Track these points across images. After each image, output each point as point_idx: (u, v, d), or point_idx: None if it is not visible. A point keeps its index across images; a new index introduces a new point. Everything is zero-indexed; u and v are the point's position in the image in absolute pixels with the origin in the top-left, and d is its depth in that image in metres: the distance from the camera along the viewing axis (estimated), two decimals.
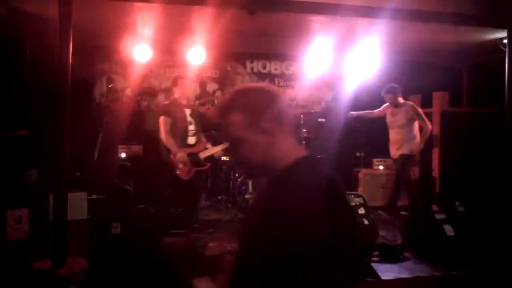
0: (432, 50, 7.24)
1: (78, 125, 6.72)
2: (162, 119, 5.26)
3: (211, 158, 5.58)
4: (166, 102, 5.62)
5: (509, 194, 5.40)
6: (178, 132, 5.28)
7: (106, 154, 6.59)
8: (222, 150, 5.45)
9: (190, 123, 5.38)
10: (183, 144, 5.29)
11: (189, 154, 5.27)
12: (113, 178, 6.39)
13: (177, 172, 5.18)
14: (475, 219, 4.75)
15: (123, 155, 6.52)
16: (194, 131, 5.41)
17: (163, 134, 5.24)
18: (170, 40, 6.48)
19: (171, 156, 5.20)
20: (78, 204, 5.92)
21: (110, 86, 7.19)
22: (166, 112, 5.29)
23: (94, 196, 6.27)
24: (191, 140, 5.37)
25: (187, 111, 5.42)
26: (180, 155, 5.15)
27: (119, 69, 7.29)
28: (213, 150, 5.48)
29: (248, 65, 7.94)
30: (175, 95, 5.45)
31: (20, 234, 4.59)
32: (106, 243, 3.82)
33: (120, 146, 6.56)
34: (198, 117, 5.54)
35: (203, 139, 5.59)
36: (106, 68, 7.35)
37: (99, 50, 7.02)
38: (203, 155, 5.40)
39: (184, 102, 5.46)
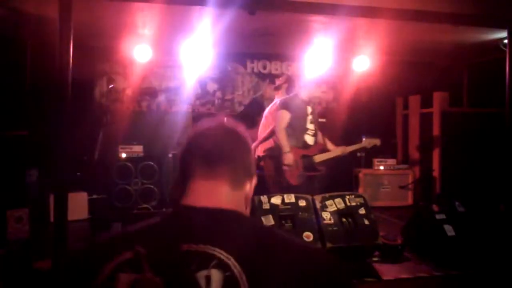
0: (432, 50, 7.24)
1: (78, 125, 6.78)
2: (280, 112, 4.91)
3: (326, 162, 5.09)
4: (286, 96, 5.26)
5: (509, 194, 5.40)
6: (296, 129, 4.93)
7: (106, 154, 6.61)
8: (342, 153, 5.09)
9: (311, 122, 5.02)
10: (299, 144, 4.97)
11: (303, 156, 4.91)
12: (113, 178, 6.39)
13: (285, 174, 4.81)
14: (476, 220, 4.75)
15: (124, 155, 6.52)
16: (314, 131, 5.05)
17: (278, 129, 4.89)
18: (171, 40, 6.49)
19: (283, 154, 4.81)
20: (79, 204, 5.94)
21: (110, 86, 7.20)
22: (286, 106, 4.94)
23: (94, 196, 6.28)
24: (310, 140, 5.00)
25: (309, 108, 5.06)
26: (289, 156, 4.78)
27: (120, 69, 7.29)
28: (331, 154, 5.06)
29: (249, 65, 7.94)
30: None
31: (20, 234, 4.59)
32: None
33: (120, 146, 6.56)
34: (317, 115, 5.16)
35: (323, 140, 5.16)
36: (106, 68, 7.36)
37: (100, 50, 7.02)
38: (318, 158, 4.99)
39: (305, 98, 5.07)
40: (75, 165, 6.21)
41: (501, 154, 5.49)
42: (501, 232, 4.77)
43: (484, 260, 4.40)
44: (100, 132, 6.57)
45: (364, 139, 5.19)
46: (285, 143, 4.79)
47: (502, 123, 5.43)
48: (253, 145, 5.13)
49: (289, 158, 4.76)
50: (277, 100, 5.44)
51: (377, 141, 5.16)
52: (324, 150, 5.05)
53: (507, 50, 5.40)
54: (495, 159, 5.83)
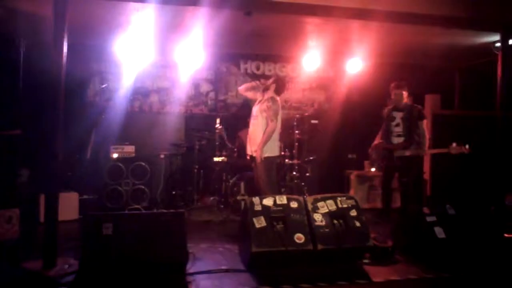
0: (424, 53, 7.28)
1: (70, 125, 6.75)
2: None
3: (405, 158, 5.72)
4: (386, 108, 6.04)
5: (499, 196, 5.44)
6: (385, 133, 5.91)
7: (98, 154, 6.58)
8: (415, 154, 5.71)
9: (397, 125, 5.80)
10: (388, 142, 5.85)
11: (384, 150, 5.83)
12: (105, 178, 6.37)
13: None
14: (466, 222, 4.78)
15: (115, 155, 6.50)
16: (400, 133, 5.77)
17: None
18: (164, 40, 6.48)
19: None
20: (69, 204, 5.92)
21: (103, 85, 7.17)
22: (384, 118, 5.97)
23: (85, 197, 6.25)
24: (395, 140, 5.80)
25: (398, 114, 5.81)
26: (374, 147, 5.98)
27: (113, 69, 7.26)
28: (409, 152, 5.68)
29: (242, 66, 7.94)
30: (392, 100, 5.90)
31: (10, 234, 4.56)
32: (97, 243, 3.80)
33: (112, 147, 6.54)
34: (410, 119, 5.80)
35: (414, 141, 5.73)
36: (99, 68, 7.33)
37: (93, 50, 6.99)
38: (397, 154, 5.70)
39: (398, 106, 5.85)
40: (67, 165, 6.18)
41: (492, 156, 5.52)
42: (491, 234, 4.81)
43: (475, 262, 4.43)
44: (93, 132, 6.54)
45: (454, 145, 5.49)
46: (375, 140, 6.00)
47: (493, 126, 5.47)
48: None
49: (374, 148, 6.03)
50: (274, 96, 5.42)
51: (465, 150, 5.44)
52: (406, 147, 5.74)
53: (500, 54, 5.45)
54: (486, 162, 5.86)
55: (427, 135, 5.71)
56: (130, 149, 6.63)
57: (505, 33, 5.41)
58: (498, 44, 5.63)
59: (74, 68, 5.50)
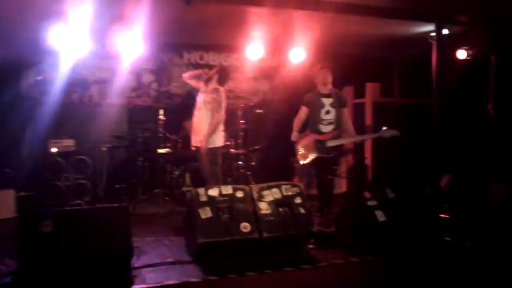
0: (365, 43, 7.47)
1: (4, 119, 6.43)
2: (301, 108, 5.59)
3: (340, 148, 5.62)
4: (310, 94, 5.63)
5: (434, 179, 5.71)
6: (312, 120, 5.51)
7: (35, 149, 6.31)
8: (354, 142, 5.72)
9: (328, 112, 5.46)
10: (315, 131, 5.47)
11: (315, 141, 5.41)
12: (43, 174, 6.12)
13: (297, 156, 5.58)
14: (404, 204, 4.99)
15: (54, 149, 6.25)
16: (331, 120, 5.46)
17: (295, 121, 5.60)
18: (103, 30, 6.26)
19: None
20: (5, 202, 5.64)
21: (38, 77, 6.85)
22: (306, 103, 5.56)
23: (23, 194, 5.98)
24: (325, 128, 5.46)
25: (327, 100, 5.47)
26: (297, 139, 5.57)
27: (49, 60, 6.96)
28: (342, 140, 5.54)
29: (185, 56, 7.83)
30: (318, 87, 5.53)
31: None
32: (36, 242, 3.64)
33: (50, 141, 6.28)
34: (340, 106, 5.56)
35: (344, 128, 5.57)
36: (34, 59, 6.99)
37: (27, 40, 6.64)
38: (330, 143, 5.39)
39: (324, 91, 5.50)
40: (2, 161, 5.90)
41: (428, 142, 5.76)
42: (427, 215, 5.05)
43: (413, 242, 4.64)
44: (28, 126, 6.26)
45: (383, 128, 5.39)
46: (294, 132, 5.57)
47: (429, 112, 5.70)
48: None
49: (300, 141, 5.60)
50: (217, 87, 5.39)
51: (396, 133, 5.36)
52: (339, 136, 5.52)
53: (435, 43, 5.67)
54: (423, 147, 6.11)
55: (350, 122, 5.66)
56: (69, 142, 6.40)
57: (439, 23, 5.64)
58: (433, 34, 5.85)
59: (5, 59, 5.27)
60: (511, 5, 5.34)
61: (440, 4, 5.42)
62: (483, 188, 5.85)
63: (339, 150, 5.61)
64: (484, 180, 5.97)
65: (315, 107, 5.47)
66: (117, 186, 6.73)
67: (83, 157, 6.32)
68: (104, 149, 6.70)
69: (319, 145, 5.40)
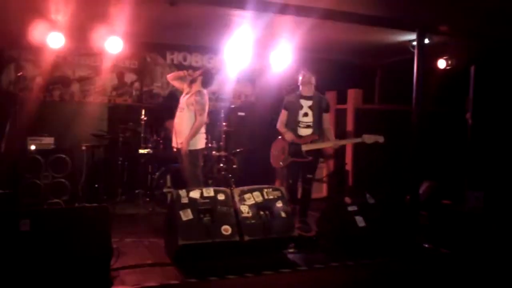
0: (348, 49, 7.55)
1: None
2: (281, 111, 5.63)
3: (316, 152, 5.52)
4: (290, 96, 5.69)
5: (414, 186, 5.78)
6: (290, 122, 5.52)
7: (13, 147, 6.18)
8: (332, 147, 5.66)
9: (305, 115, 5.47)
10: (293, 134, 5.47)
11: (291, 144, 5.41)
12: (21, 172, 6.00)
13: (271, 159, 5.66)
14: (384, 210, 5.05)
15: (33, 147, 6.14)
16: (309, 124, 5.46)
17: (278, 124, 5.63)
18: (86, 27, 6.18)
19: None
20: None
21: (19, 73, 6.73)
22: (285, 104, 5.61)
23: (0, 191, 5.85)
24: (302, 131, 5.47)
25: (306, 103, 5.48)
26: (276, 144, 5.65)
27: (29, 56, 6.85)
28: (320, 145, 5.52)
29: (168, 56, 7.80)
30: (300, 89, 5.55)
31: None
32: (12, 242, 3.57)
33: (29, 138, 6.17)
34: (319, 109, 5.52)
35: (325, 134, 5.56)
36: (14, 55, 6.88)
37: (7, 35, 6.52)
38: (306, 147, 5.37)
39: (306, 93, 5.52)
40: None
41: (407, 148, 5.84)
42: (406, 222, 5.12)
43: (392, 248, 4.70)
44: (7, 123, 6.13)
45: (364, 135, 5.39)
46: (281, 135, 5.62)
47: (409, 120, 5.78)
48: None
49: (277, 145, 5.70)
50: (201, 90, 5.37)
51: (380, 138, 5.35)
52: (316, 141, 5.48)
53: (416, 52, 5.77)
54: (403, 153, 6.18)
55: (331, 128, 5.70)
56: (48, 140, 6.28)
57: (420, 32, 5.73)
58: (414, 43, 5.94)
59: None
60: (491, 18, 5.47)
61: (422, 14, 5.51)
62: (461, 196, 5.95)
63: (317, 155, 5.60)
64: (462, 189, 6.07)
65: (294, 109, 5.51)
66: (96, 185, 6.65)
67: (62, 155, 6.20)
68: (84, 148, 6.61)
69: (294, 149, 5.42)
